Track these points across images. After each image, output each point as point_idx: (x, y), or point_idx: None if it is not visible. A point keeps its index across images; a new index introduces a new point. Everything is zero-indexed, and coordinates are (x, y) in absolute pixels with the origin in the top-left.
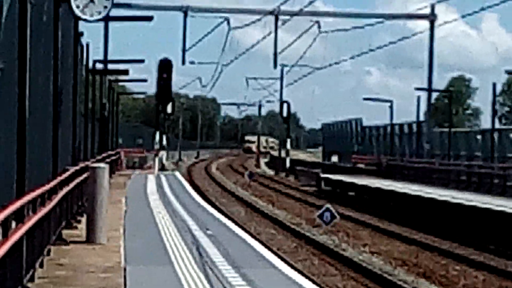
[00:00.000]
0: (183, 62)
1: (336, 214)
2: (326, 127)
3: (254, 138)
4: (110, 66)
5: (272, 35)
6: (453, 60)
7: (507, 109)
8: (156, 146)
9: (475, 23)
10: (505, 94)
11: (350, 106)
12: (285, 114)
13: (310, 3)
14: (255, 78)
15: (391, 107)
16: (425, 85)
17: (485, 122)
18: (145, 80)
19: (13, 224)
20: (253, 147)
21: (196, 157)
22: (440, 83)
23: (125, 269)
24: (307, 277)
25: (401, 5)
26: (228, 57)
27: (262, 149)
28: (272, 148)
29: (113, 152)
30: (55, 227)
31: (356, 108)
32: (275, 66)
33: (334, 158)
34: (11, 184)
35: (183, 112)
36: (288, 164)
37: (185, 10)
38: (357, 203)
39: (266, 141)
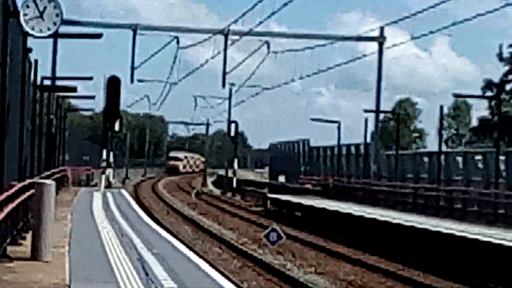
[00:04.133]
0: (132, 80)
1: (282, 234)
2: (273, 147)
3: (182, 155)
4: (58, 83)
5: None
6: (404, 82)
7: (453, 131)
8: (103, 164)
9: (426, 46)
10: (451, 118)
11: (300, 126)
12: (233, 133)
13: (260, 23)
14: (203, 97)
15: (338, 128)
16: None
17: (431, 144)
18: (93, 97)
19: None
20: (181, 165)
21: (143, 175)
22: (390, 105)
23: (69, 287)
24: None
25: (353, 27)
26: (177, 76)
27: (188, 169)
28: (197, 166)
29: (59, 169)
30: (0, 244)
31: (305, 129)
32: (223, 85)
33: (281, 178)
34: None
35: (130, 130)
36: (235, 183)
37: (134, 28)
38: (303, 224)
39: (192, 158)
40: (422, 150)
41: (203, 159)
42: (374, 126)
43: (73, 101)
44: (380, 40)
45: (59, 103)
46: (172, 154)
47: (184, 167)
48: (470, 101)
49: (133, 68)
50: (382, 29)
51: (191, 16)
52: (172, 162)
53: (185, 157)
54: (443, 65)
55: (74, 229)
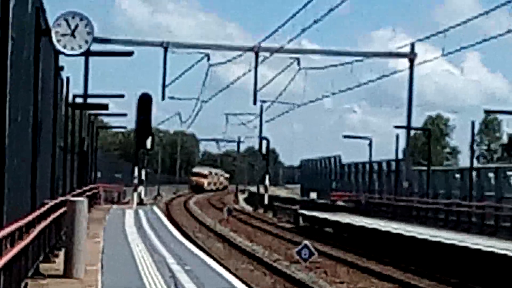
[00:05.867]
0: (163, 98)
1: (314, 250)
2: (304, 163)
3: (206, 170)
4: (90, 101)
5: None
6: (436, 99)
7: (484, 147)
8: (135, 181)
9: (458, 62)
10: (482, 133)
11: (331, 143)
12: (264, 150)
13: (291, 40)
14: (234, 114)
15: (370, 144)
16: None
17: (463, 161)
18: (125, 115)
19: None
20: (205, 182)
21: (174, 192)
22: (421, 121)
23: None
24: None
25: (384, 44)
26: (208, 93)
27: (213, 186)
28: (221, 183)
29: (91, 186)
30: (33, 261)
31: (336, 146)
32: (254, 102)
33: (313, 195)
34: None
35: (162, 147)
36: (266, 200)
37: (165, 46)
38: (335, 240)
39: (216, 174)
40: (453, 166)
41: (227, 175)
42: (406, 143)
43: (105, 119)
44: (411, 56)
45: (91, 120)
46: (195, 169)
47: (209, 184)
48: (500, 117)
49: (164, 86)
50: (412, 45)
51: (223, 33)
52: (196, 179)
53: (210, 173)
54: (475, 81)
55: (107, 246)
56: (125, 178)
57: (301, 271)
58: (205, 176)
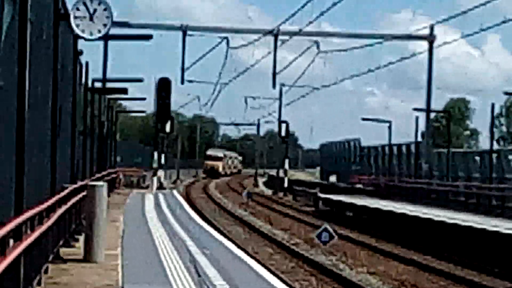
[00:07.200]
0: (182, 81)
1: (334, 234)
2: (324, 147)
3: (221, 153)
4: (109, 85)
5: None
6: (455, 81)
7: (504, 129)
8: (155, 165)
9: (478, 44)
10: (505, 116)
11: (350, 126)
12: (283, 134)
13: (310, 23)
14: (254, 98)
15: (389, 127)
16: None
17: (484, 143)
18: (143, 99)
19: (11, 242)
20: (220, 166)
21: (194, 176)
22: (442, 104)
23: None
24: None
25: (404, 26)
26: (227, 76)
27: (227, 170)
28: (235, 167)
29: (111, 171)
30: (53, 245)
31: (356, 129)
32: (273, 86)
33: (332, 178)
34: (10, 202)
35: (182, 131)
36: (286, 183)
37: (184, 29)
38: (355, 224)
39: (231, 157)
40: (473, 149)
41: (240, 158)
42: (425, 125)
43: (124, 103)
44: (430, 38)
45: (110, 105)
46: (209, 152)
47: (224, 168)
48: None
49: (183, 69)
50: (432, 27)
51: (243, 17)
52: (210, 162)
53: (225, 156)
54: (496, 63)
55: (127, 231)
56: (144, 163)
57: (321, 255)
58: (219, 159)
